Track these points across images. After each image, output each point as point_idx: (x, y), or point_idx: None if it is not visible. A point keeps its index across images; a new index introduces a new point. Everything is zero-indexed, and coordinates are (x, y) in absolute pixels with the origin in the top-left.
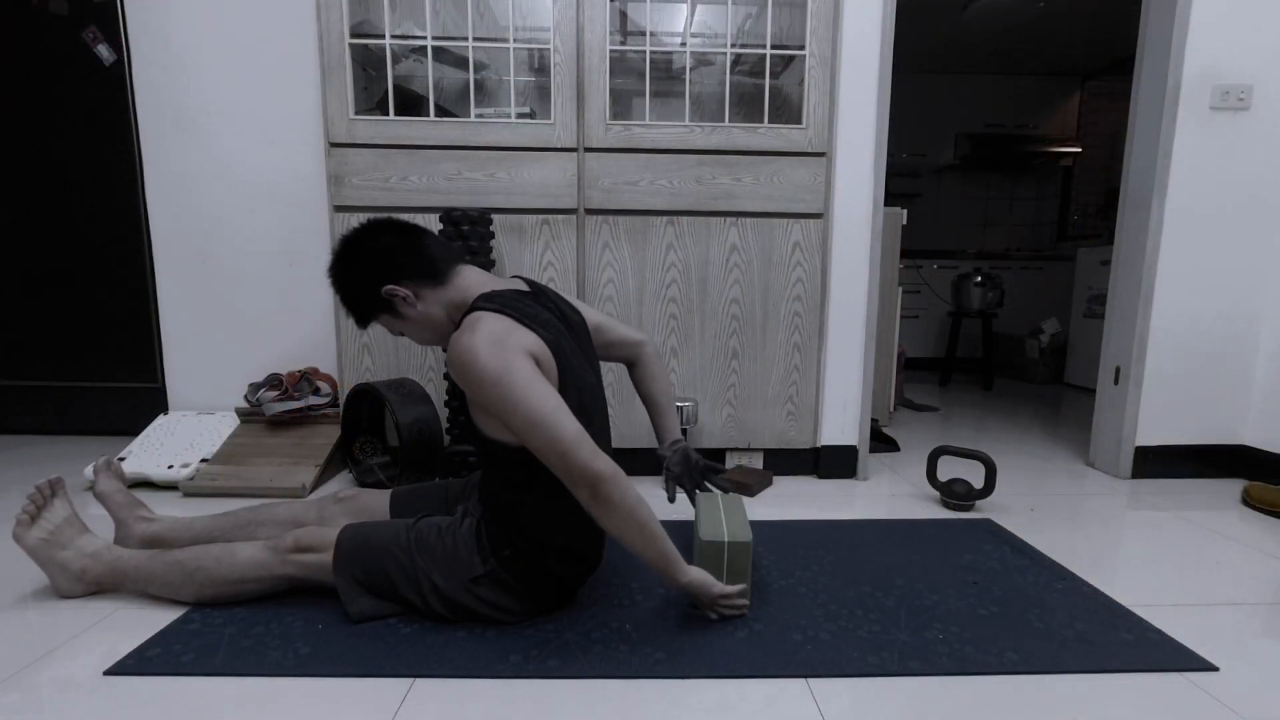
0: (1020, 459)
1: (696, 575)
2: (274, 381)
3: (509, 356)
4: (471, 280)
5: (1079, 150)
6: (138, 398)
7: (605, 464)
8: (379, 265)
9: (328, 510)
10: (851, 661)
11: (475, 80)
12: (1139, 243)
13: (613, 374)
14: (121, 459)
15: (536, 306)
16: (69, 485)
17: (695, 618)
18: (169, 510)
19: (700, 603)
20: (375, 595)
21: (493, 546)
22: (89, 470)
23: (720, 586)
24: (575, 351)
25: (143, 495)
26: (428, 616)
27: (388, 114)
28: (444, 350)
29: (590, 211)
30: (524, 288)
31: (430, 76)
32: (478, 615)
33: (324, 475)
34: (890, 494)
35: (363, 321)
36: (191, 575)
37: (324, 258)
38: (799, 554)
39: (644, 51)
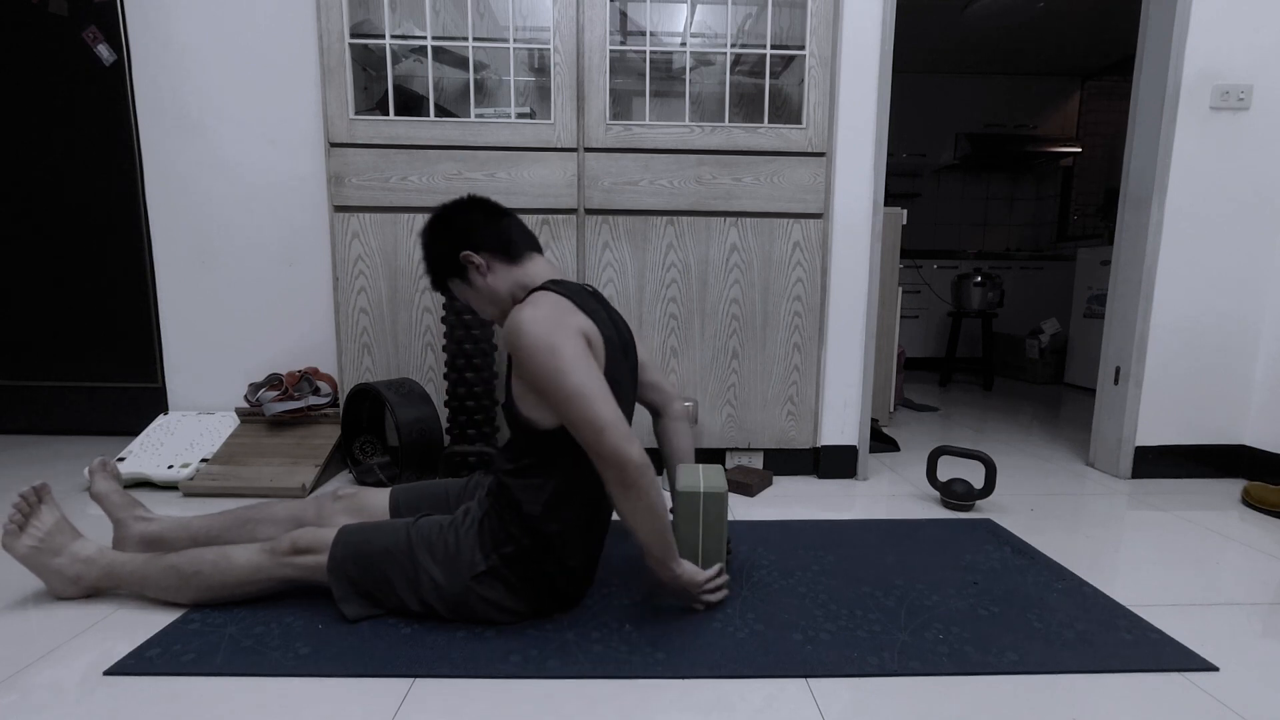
0: (1020, 459)
1: (689, 566)
2: (274, 381)
3: (563, 332)
4: (542, 268)
5: (1079, 150)
6: (138, 398)
7: (638, 451)
8: (462, 232)
9: (326, 508)
10: (851, 661)
11: (475, 80)
12: (1139, 243)
13: None
14: (121, 459)
15: (595, 304)
16: (69, 486)
17: (695, 618)
18: (169, 510)
19: (685, 596)
20: (369, 598)
21: (495, 542)
22: (88, 470)
23: (704, 573)
24: (620, 355)
25: (142, 495)
26: (425, 618)
27: (388, 114)
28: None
29: (590, 211)
30: (588, 288)
31: (430, 76)
32: (477, 615)
33: (324, 475)
34: (890, 494)
35: (438, 283)
36: (188, 580)
37: (324, 257)
38: (799, 554)
39: (644, 51)
